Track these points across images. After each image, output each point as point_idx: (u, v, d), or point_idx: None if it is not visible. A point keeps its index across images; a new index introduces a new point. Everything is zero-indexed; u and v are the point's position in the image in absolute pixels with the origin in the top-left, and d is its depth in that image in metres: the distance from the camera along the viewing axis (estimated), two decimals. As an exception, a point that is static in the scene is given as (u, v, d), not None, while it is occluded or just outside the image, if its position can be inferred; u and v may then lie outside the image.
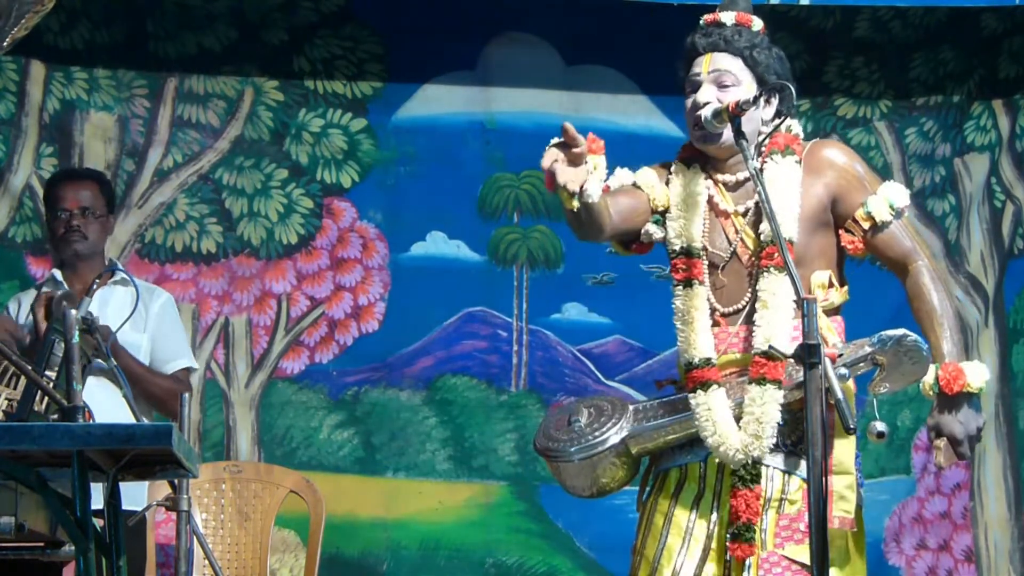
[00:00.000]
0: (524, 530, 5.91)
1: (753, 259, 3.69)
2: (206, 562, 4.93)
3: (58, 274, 5.01)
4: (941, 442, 3.59)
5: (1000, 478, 6.03)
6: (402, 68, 5.92)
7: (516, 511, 5.91)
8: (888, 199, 3.69)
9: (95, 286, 4.86)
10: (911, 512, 6.02)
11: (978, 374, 3.58)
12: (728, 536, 3.62)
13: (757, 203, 3.69)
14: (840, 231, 3.74)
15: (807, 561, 3.47)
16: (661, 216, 3.79)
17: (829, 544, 3.28)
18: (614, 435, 3.68)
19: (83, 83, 5.77)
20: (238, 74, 5.87)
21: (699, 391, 3.65)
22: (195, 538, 4.53)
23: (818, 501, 3.21)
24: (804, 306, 3.24)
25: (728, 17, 3.76)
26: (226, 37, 5.86)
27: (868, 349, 3.63)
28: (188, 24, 5.83)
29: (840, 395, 3.26)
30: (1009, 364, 6.05)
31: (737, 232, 3.72)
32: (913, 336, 3.62)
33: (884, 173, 6.06)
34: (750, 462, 3.61)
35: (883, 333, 3.66)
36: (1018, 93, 6.08)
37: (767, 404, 3.58)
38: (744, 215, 3.72)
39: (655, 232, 3.78)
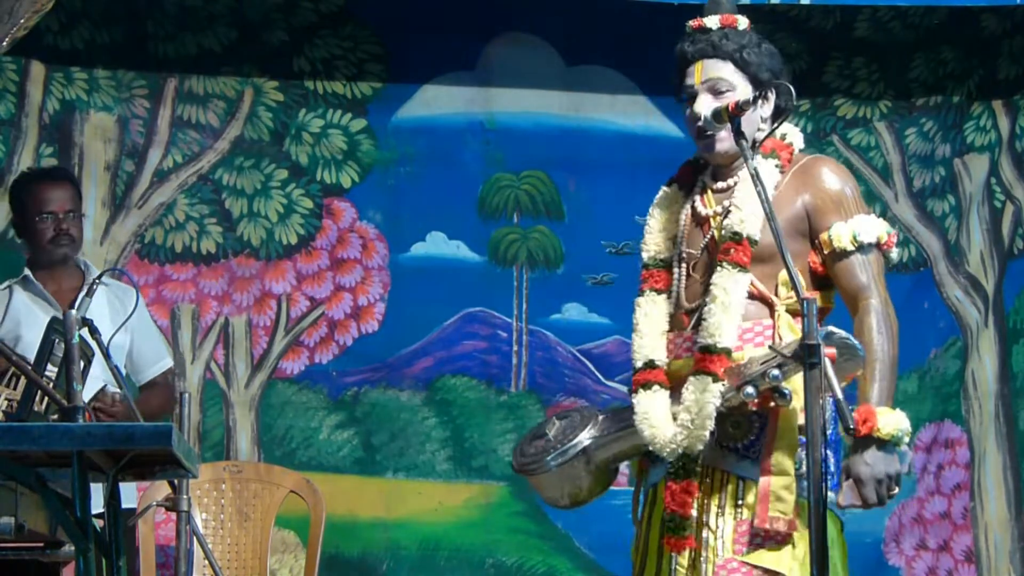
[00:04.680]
0: (523, 530, 5.91)
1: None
2: (206, 562, 4.92)
3: (30, 274, 4.97)
4: (847, 483, 3.54)
5: (1000, 478, 6.03)
6: (402, 68, 5.91)
7: (516, 511, 5.91)
8: (855, 230, 3.62)
9: (95, 286, 4.85)
10: (911, 512, 6.01)
11: (892, 422, 3.50)
12: (664, 530, 3.61)
13: (731, 202, 3.70)
14: (812, 248, 3.71)
15: (768, 566, 3.52)
16: None
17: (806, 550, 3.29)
18: (585, 439, 3.72)
19: (83, 83, 5.77)
20: (238, 74, 5.87)
21: (639, 391, 3.66)
22: (195, 538, 4.53)
23: (818, 502, 3.21)
24: (804, 306, 3.24)
25: (713, 21, 3.72)
26: (226, 37, 5.86)
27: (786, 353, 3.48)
28: (188, 25, 5.82)
29: (841, 395, 3.25)
30: (1009, 364, 6.05)
31: (710, 230, 3.71)
32: (840, 332, 3.48)
33: (884, 173, 6.06)
34: (694, 453, 3.56)
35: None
36: (1018, 93, 6.08)
37: (702, 395, 3.53)
38: (722, 214, 3.71)
39: None
